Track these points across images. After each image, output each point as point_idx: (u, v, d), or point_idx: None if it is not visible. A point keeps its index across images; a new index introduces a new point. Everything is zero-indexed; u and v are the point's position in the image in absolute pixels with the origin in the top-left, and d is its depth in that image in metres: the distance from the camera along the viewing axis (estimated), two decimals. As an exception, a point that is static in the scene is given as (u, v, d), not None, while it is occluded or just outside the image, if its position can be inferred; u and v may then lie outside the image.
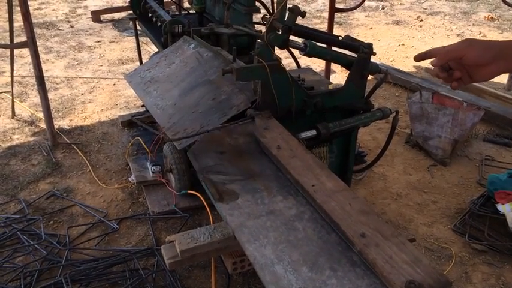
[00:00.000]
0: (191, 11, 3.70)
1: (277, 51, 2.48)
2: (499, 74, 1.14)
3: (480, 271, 2.61)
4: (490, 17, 7.14)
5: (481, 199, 2.91)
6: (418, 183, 3.35)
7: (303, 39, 2.24)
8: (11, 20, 3.64)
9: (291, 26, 2.11)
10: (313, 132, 2.16)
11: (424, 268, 1.22)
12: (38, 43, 3.43)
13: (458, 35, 6.47)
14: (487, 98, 4.41)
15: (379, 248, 1.29)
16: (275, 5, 2.16)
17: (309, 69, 3.52)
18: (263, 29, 3.55)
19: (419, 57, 1.22)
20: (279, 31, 2.11)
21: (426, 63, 5.02)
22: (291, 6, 2.10)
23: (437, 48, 1.17)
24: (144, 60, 3.71)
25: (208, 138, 1.95)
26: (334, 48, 2.47)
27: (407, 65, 5.43)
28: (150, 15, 3.45)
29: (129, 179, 3.25)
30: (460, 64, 1.16)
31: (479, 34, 6.49)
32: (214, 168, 1.77)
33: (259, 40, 2.16)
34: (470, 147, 3.78)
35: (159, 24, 3.21)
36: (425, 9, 7.63)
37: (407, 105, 3.77)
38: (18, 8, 3.19)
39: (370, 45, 2.30)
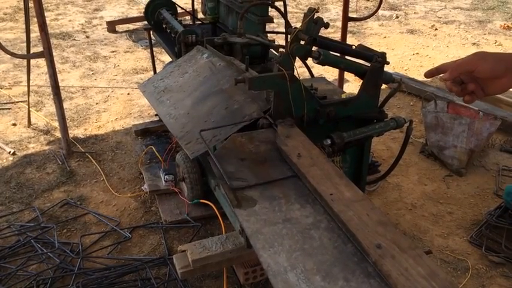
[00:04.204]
0: (205, 21, 3.72)
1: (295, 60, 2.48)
2: None
3: (497, 284, 2.55)
4: (506, 25, 7.06)
5: (498, 210, 2.86)
6: (433, 194, 3.30)
7: (316, 48, 2.24)
8: (28, 31, 3.70)
9: (315, 37, 2.13)
10: (328, 142, 2.15)
11: (440, 282, 1.19)
12: (54, 53, 3.48)
13: (474, 43, 6.41)
14: (504, 108, 4.34)
15: (395, 260, 1.26)
16: (291, 15, 2.17)
17: (322, 79, 3.51)
18: (276, 38, 3.57)
19: (429, 74, 1.21)
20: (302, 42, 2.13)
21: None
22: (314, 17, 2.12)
23: (448, 63, 1.17)
24: (157, 70, 3.74)
25: (230, 144, 1.95)
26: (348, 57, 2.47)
27: (421, 74, 5.38)
28: (164, 26, 3.48)
29: (142, 187, 3.26)
30: (472, 78, 1.15)
31: (495, 43, 6.42)
32: (234, 175, 1.77)
33: (283, 50, 2.18)
34: (486, 157, 3.72)
35: (171, 34, 3.23)
36: (440, 17, 7.58)
37: (422, 114, 3.74)
38: (35, 19, 3.25)
39: (383, 55, 2.28)
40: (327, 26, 2.13)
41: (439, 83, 5.08)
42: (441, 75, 1.18)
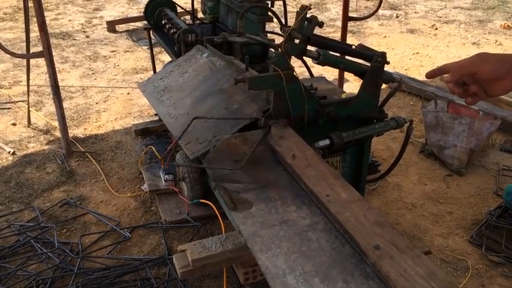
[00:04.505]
0: (204, 21, 3.72)
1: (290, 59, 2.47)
2: None
3: (497, 284, 2.55)
4: (506, 25, 7.05)
5: (498, 210, 2.86)
6: (433, 194, 3.30)
7: (316, 48, 2.23)
8: (27, 31, 3.70)
9: (309, 36, 2.12)
10: (326, 142, 2.15)
11: (439, 282, 1.19)
12: (54, 53, 3.48)
13: (474, 43, 6.40)
14: (504, 107, 4.34)
15: (394, 261, 1.26)
16: (292, 15, 2.14)
17: (322, 78, 3.51)
18: (276, 38, 3.56)
19: (431, 74, 1.21)
20: (297, 41, 2.11)
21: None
22: (308, 16, 2.10)
23: (450, 64, 1.16)
24: (157, 70, 3.73)
25: (224, 146, 1.94)
26: (348, 57, 2.46)
27: (421, 73, 5.38)
28: (163, 22, 3.47)
29: (142, 187, 3.26)
30: (474, 79, 1.15)
31: (495, 42, 6.42)
32: (229, 177, 1.77)
33: (279, 49, 2.16)
34: (486, 157, 3.71)
35: (172, 31, 3.23)
36: (440, 17, 7.58)
37: (422, 114, 3.73)
38: (35, 19, 3.24)
39: (383, 54, 2.28)
40: (321, 24, 2.10)
41: (439, 82, 5.07)
42: (443, 76, 1.17)
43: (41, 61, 5.03)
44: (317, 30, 2.18)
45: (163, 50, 4.69)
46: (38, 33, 3.33)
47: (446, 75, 1.15)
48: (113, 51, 6.00)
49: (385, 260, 1.26)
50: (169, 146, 3.37)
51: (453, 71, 1.14)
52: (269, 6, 2.87)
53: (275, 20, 2.92)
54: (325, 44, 2.27)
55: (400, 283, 1.19)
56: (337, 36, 5.42)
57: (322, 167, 1.73)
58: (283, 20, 2.98)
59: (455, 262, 2.69)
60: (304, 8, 2.05)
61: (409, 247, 1.31)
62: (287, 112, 2.10)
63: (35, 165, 3.60)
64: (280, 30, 2.62)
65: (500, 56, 1.11)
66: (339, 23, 5.14)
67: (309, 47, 2.28)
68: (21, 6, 4.17)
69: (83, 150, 3.78)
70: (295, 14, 2.14)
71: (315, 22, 2.08)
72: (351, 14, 4.27)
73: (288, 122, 2.08)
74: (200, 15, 3.99)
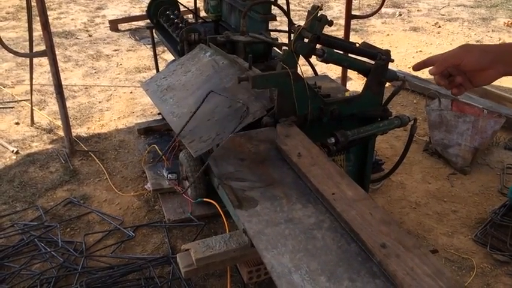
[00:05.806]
0: (207, 20, 3.71)
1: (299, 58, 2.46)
2: (499, 78, 1.14)
3: (502, 283, 2.54)
4: (509, 22, 7.02)
5: (503, 209, 2.84)
6: (438, 192, 3.29)
7: (320, 46, 2.22)
8: (30, 30, 3.70)
9: (319, 35, 2.11)
10: (331, 140, 2.14)
11: (446, 281, 1.18)
12: (57, 52, 3.47)
13: (477, 41, 6.38)
14: (508, 105, 4.32)
15: (400, 259, 1.25)
16: (293, 14, 2.14)
17: (325, 77, 3.49)
18: (279, 36, 3.55)
19: (417, 67, 1.24)
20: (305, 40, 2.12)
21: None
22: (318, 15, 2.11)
23: (435, 56, 1.18)
24: (160, 69, 3.73)
25: (229, 144, 1.94)
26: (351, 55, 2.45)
27: (425, 72, 5.31)
28: (171, 16, 3.46)
29: (145, 186, 3.26)
30: (459, 70, 1.17)
31: (499, 40, 6.39)
32: (234, 175, 1.77)
33: (286, 48, 2.17)
34: (491, 156, 3.70)
35: (180, 25, 3.23)
36: (443, 15, 7.55)
37: (426, 112, 3.72)
38: (38, 18, 3.24)
39: (388, 52, 2.27)
40: (330, 23, 2.13)
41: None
42: (429, 68, 1.19)
43: (44, 60, 5.05)
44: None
45: (166, 49, 4.69)
46: (41, 32, 3.33)
47: (431, 67, 1.16)
48: (116, 50, 6.00)
49: (392, 259, 1.26)
50: (172, 145, 3.36)
51: (438, 63, 1.16)
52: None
53: (278, 19, 2.91)
54: (330, 42, 2.26)
55: (406, 281, 1.19)
56: (340, 34, 5.40)
57: (328, 166, 1.73)
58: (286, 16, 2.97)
59: (460, 261, 2.68)
60: (316, 8, 2.06)
61: (416, 245, 1.31)
62: (292, 111, 2.10)
63: (38, 164, 3.61)
64: (291, 29, 2.62)
65: (483, 46, 1.14)
66: (342, 21, 5.11)
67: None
68: (24, 5, 4.18)
69: (86, 149, 3.78)
70: (297, 12, 2.13)
71: (325, 21, 2.09)
72: (353, 12, 4.26)
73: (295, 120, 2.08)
74: (203, 13, 3.98)
